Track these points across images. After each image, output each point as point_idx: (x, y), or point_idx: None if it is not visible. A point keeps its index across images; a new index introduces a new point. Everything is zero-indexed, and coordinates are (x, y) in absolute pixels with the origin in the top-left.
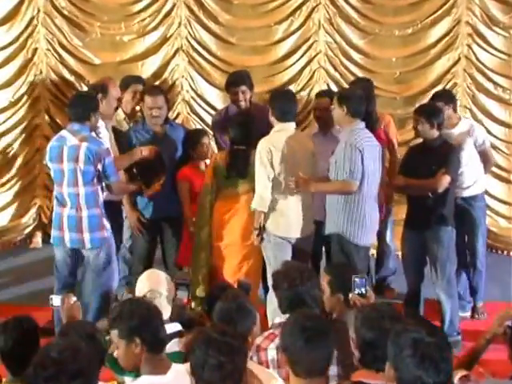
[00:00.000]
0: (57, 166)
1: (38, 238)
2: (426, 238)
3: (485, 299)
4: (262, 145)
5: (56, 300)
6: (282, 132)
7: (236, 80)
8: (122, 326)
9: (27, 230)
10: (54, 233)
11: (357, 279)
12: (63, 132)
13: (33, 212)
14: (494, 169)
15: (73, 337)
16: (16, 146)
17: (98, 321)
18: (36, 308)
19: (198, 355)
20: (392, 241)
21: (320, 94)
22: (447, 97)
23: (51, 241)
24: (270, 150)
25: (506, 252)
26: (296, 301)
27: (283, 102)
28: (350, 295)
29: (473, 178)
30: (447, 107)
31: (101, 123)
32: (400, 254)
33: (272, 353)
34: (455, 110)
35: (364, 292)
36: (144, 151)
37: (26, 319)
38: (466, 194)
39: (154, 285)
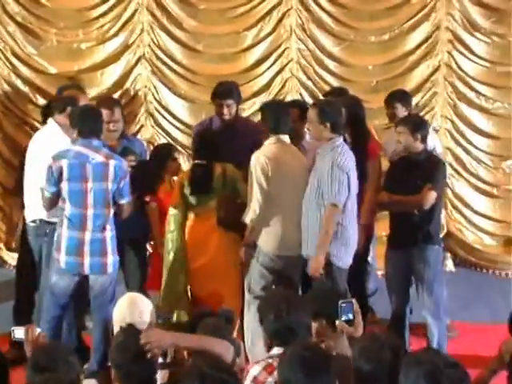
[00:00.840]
0: (77, 186)
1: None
2: (411, 258)
3: (471, 320)
4: (257, 158)
5: (18, 332)
6: (276, 144)
7: (222, 92)
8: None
9: None
10: (66, 258)
11: (343, 304)
12: (78, 148)
13: None
14: (477, 183)
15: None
16: None
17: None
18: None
19: None
20: (374, 258)
21: (289, 105)
22: (405, 98)
23: (62, 266)
24: (266, 163)
25: (491, 271)
26: (285, 332)
27: (276, 113)
28: (337, 322)
29: None
30: (404, 109)
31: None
32: (381, 273)
33: None
34: (409, 113)
35: (351, 318)
36: None
37: None
38: None
39: (135, 316)
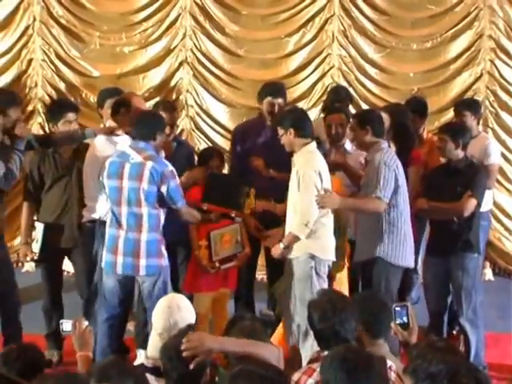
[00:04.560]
0: (114, 183)
1: (30, 262)
2: (450, 265)
3: (509, 330)
4: (309, 168)
5: (67, 325)
6: (315, 152)
7: (275, 91)
8: None
9: None
10: (106, 257)
11: (398, 308)
12: (125, 148)
13: None
14: None
15: None
16: None
17: None
18: (30, 336)
19: None
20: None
21: (333, 110)
22: (475, 107)
23: (102, 266)
24: (319, 174)
25: None
26: (329, 334)
27: (305, 119)
28: (392, 325)
29: None
30: (473, 118)
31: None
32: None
33: None
34: (478, 122)
35: (406, 321)
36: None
37: (30, 348)
38: None
39: (171, 320)
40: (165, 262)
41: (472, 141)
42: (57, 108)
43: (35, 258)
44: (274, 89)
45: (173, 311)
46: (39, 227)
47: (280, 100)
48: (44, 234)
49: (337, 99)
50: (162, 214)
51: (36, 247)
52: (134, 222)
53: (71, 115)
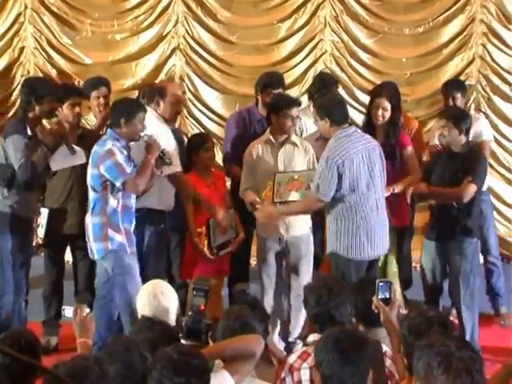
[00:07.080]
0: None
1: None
2: (448, 250)
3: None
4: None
5: (68, 311)
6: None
7: (276, 81)
8: None
9: None
10: None
11: (381, 283)
12: None
13: None
14: (510, 176)
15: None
16: None
17: None
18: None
19: (153, 376)
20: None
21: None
22: (464, 88)
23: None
24: None
25: None
26: (324, 318)
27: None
28: (374, 299)
29: None
30: (462, 98)
31: (164, 129)
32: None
33: (305, 372)
34: (467, 103)
35: (388, 297)
36: None
37: (25, 333)
38: None
39: (154, 304)
40: (112, 245)
41: None
42: (62, 91)
43: (40, 242)
44: (274, 79)
45: (157, 298)
46: (44, 212)
47: (280, 90)
48: (48, 219)
49: (323, 85)
50: (110, 197)
51: (41, 232)
52: (90, 207)
53: (76, 99)
